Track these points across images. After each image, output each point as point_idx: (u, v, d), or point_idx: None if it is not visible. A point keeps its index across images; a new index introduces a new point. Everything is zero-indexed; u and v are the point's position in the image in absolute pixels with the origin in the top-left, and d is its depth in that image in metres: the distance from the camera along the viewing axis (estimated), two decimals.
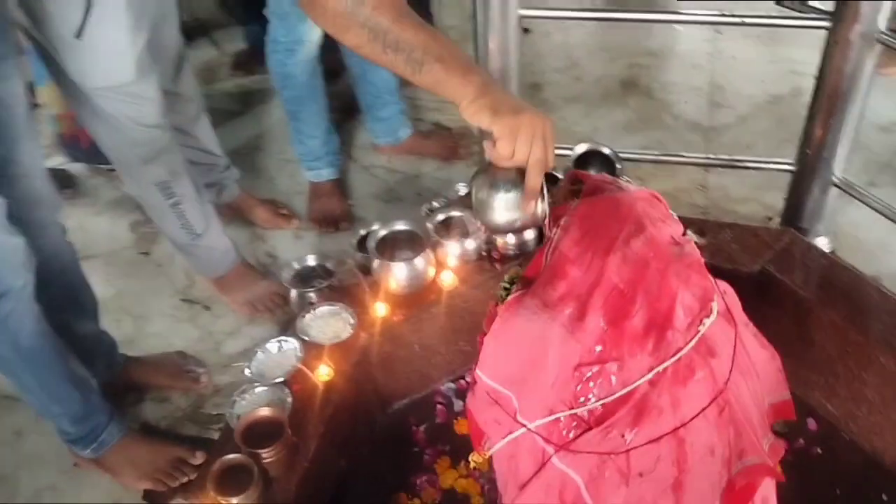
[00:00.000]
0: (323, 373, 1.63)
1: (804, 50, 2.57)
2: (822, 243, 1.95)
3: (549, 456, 1.12)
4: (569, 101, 2.78)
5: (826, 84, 1.79)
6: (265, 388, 1.56)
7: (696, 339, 1.09)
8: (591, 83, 2.86)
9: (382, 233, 1.83)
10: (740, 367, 1.14)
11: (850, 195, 1.89)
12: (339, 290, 1.86)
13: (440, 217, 1.88)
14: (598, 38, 3.08)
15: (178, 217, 2.01)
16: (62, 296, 1.81)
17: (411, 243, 1.83)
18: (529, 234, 1.87)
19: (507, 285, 1.23)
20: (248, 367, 1.60)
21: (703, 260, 1.16)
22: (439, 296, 1.84)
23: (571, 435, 1.10)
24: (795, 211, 1.98)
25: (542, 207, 1.19)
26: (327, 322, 1.73)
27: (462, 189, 2.05)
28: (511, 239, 1.87)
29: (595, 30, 3.11)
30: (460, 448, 1.80)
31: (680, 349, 1.08)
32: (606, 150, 1.84)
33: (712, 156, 2.30)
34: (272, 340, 1.65)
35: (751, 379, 1.16)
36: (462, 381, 1.96)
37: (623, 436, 1.07)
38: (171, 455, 1.87)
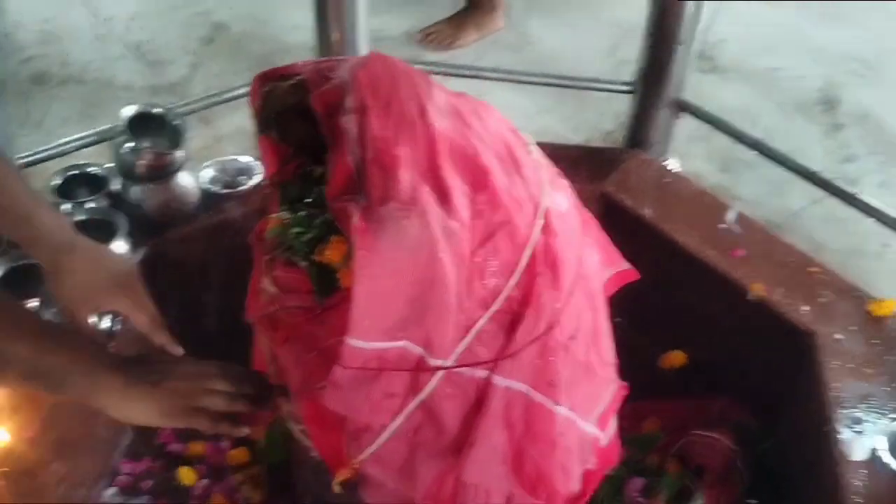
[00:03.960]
0: None
1: None
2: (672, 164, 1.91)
3: (485, 380, 0.90)
4: None
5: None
6: None
7: (544, 165, 0.98)
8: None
9: None
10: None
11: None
12: None
13: None
14: None
15: None
16: None
17: None
18: (121, 248, 1.46)
19: (298, 232, 0.92)
20: None
21: None
22: None
23: (501, 340, 0.90)
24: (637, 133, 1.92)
25: None
26: None
27: None
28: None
29: None
30: None
31: (540, 181, 0.95)
32: (158, 111, 1.55)
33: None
34: None
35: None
36: (120, 477, 1.49)
37: (554, 303, 0.91)
38: None
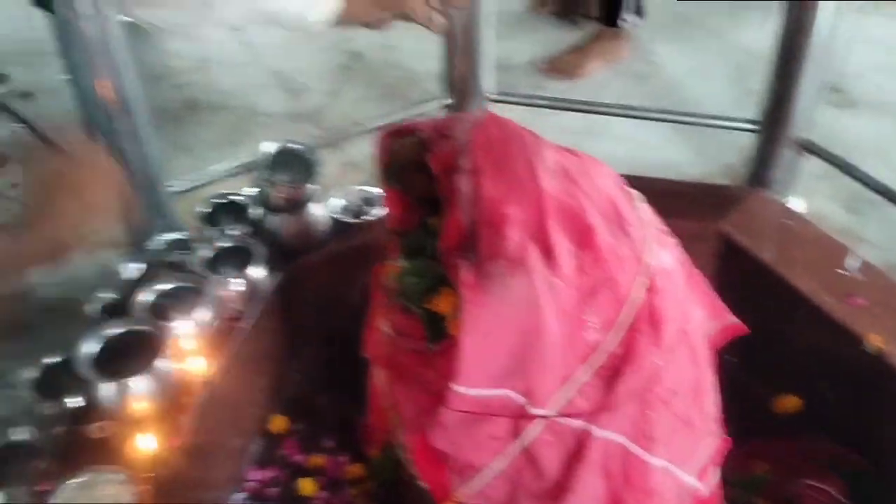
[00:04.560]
0: None
1: None
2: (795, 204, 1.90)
3: (584, 431, 0.93)
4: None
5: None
6: None
7: (648, 224, 1.00)
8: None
9: (90, 349, 1.35)
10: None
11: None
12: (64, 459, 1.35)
13: (147, 299, 1.47)
14: None
15: None
16: None
17: (130, 348, 1.40)
18: (259, 273, 1.57)
19: (413, 280, 0.98)
20: None
21: None
22: (195, 394, 1.44)
23: (601, 393, 0.93)
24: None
25: None
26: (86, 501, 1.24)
27: (131, 265, 1.63)
28: (237, 286, 1.55)
29: None
30: None
31: (645, 238, 0.98)
32: (299, 147, 1.66)
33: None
34: None
35: None
36: (248, 484, 1.60)
37: (655, 360, 0.94)
38: None
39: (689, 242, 1.78)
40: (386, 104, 2.57)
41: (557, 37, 2.88)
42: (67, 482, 1.24)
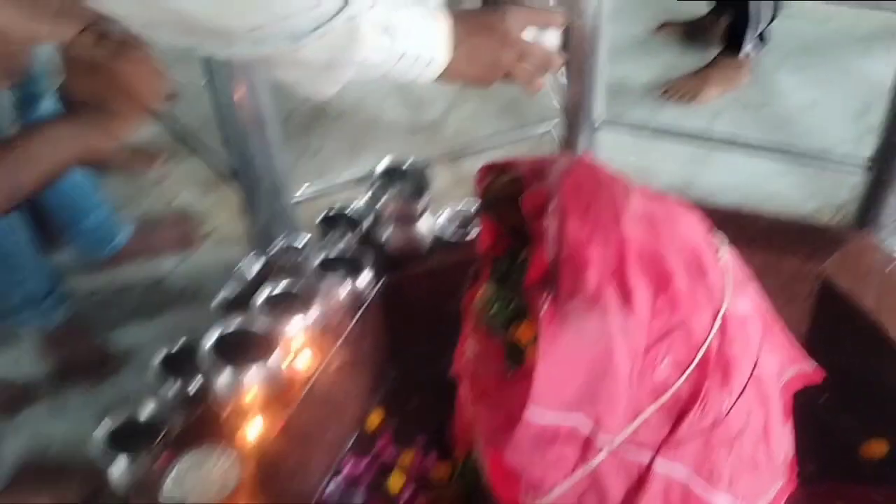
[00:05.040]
0: None
1: None
2: None
3: (647, 464, 0.99)
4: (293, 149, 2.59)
5: None
6: None
7: (728, 273, 1.04)
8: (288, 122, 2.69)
9: (211, 339, 1.49)
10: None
11: None
12: (182, 435, 1.49)
13: (263, 297, 1.60)
14: None
15: None
16: None
17: (244, 343, 1.53)
18: (365, 280, 1.68)
19: (499, 307, 1.06)
20: None
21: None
22: (300, 386, 1.56)
23: (666, 429, 0.98)
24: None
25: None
26: (198, 475, 1.37)
27: (252, 265, 1.77)
28: (344, 291, 1.66)
29: None
30: None
31: (723, 287, 1.02)
32: (412, 163, 1.75)
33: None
34: None
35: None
36: (342, 474, 1.70)
37: (721, 401, 0.98)
38: None
39: (787, 281, 1.78)
40: (501, 120, 2.65)
41: (677, 61, 2.87)
42: (182, 458, 1.37)
